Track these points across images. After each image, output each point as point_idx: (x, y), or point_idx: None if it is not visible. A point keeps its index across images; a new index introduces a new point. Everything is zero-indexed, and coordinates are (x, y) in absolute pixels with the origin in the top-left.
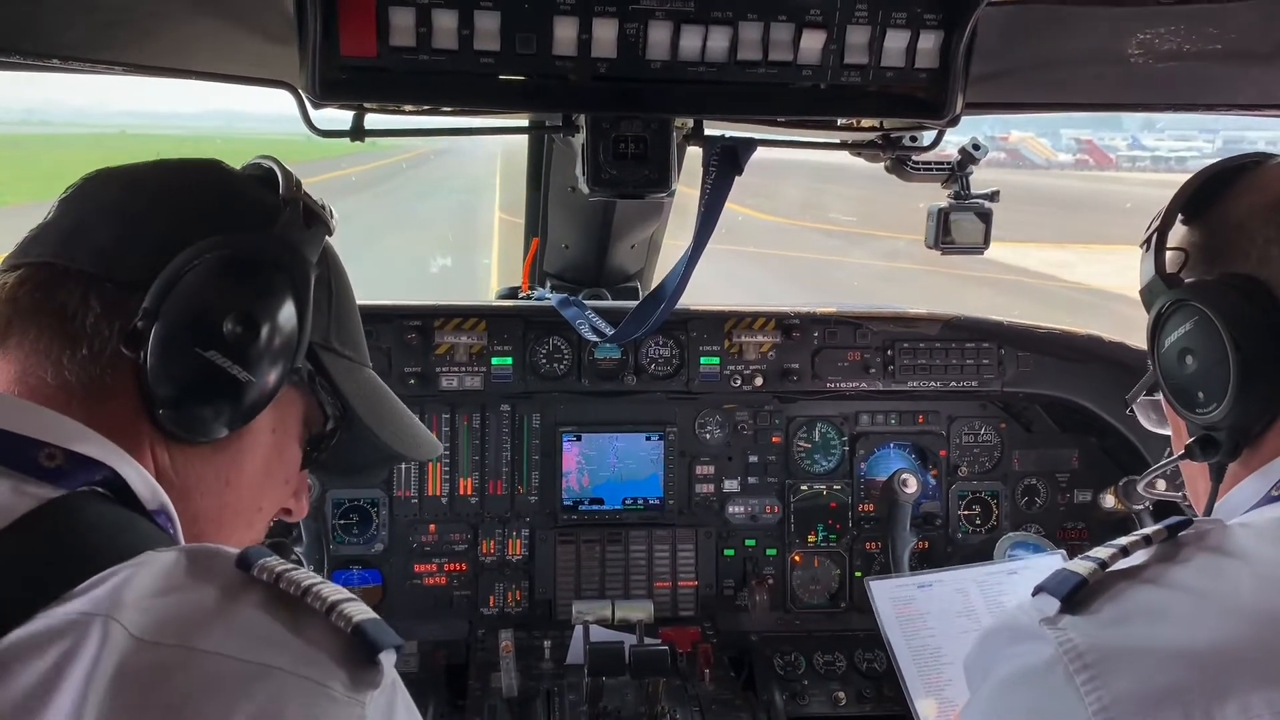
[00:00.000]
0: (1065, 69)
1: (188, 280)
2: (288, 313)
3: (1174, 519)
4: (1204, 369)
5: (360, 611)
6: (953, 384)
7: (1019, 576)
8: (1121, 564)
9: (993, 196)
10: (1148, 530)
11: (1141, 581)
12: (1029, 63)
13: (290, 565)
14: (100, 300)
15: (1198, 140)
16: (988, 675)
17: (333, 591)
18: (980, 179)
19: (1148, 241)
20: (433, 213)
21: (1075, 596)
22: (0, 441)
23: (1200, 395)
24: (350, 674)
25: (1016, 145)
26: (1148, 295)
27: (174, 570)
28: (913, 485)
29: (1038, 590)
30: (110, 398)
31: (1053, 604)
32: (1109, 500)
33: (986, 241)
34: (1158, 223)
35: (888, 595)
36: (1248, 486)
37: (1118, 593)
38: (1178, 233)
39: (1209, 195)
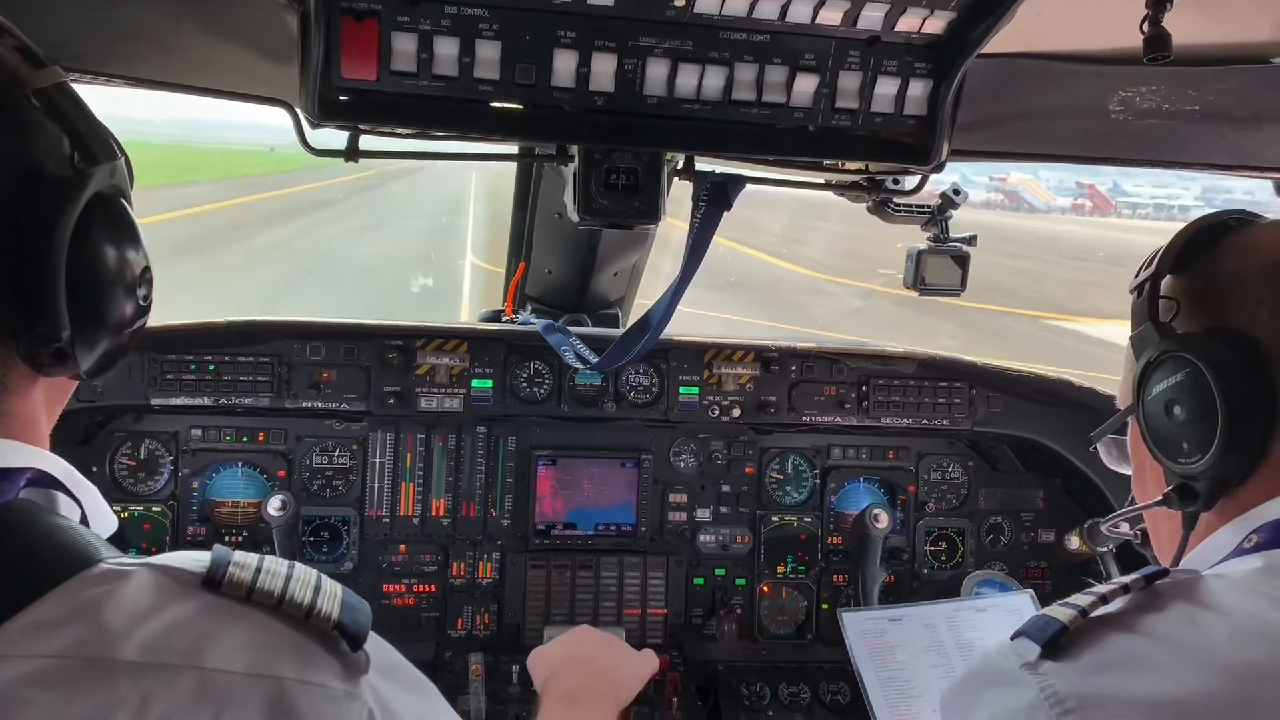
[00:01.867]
0: (1049, 121)
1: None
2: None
3: (1152, 568)
4: (1190, 420)
5: (333, 605)
6: (925, 421)
7: (987, 614)
8: (1100, 611)
9: (970, 240)
10: (1126, 579)
11: (1121, 630)
12: (1014, 113)
13: (253, 569)
14: None
15: (1174, 187)
16: (967, 717)
17: (300, 588)
18: (975, 220)
19: (1139, 289)
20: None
21: (1057, 642)
22: None
23: (1184, 445)
24: (341, 666)
25: (1015, 188)
26: (1138, 343)
27: (148, 591)
28: (884, 521)
29: (1017, 635)
30: (4, 398)
31: (1033, 649)
32: (1074, 542)
33: (963, 284)
34: (1150, 271)
35: (859, 627)
36: (1222, 536)
37: (1098, 640)
38: (1168, 281)
39: (1198, 248)
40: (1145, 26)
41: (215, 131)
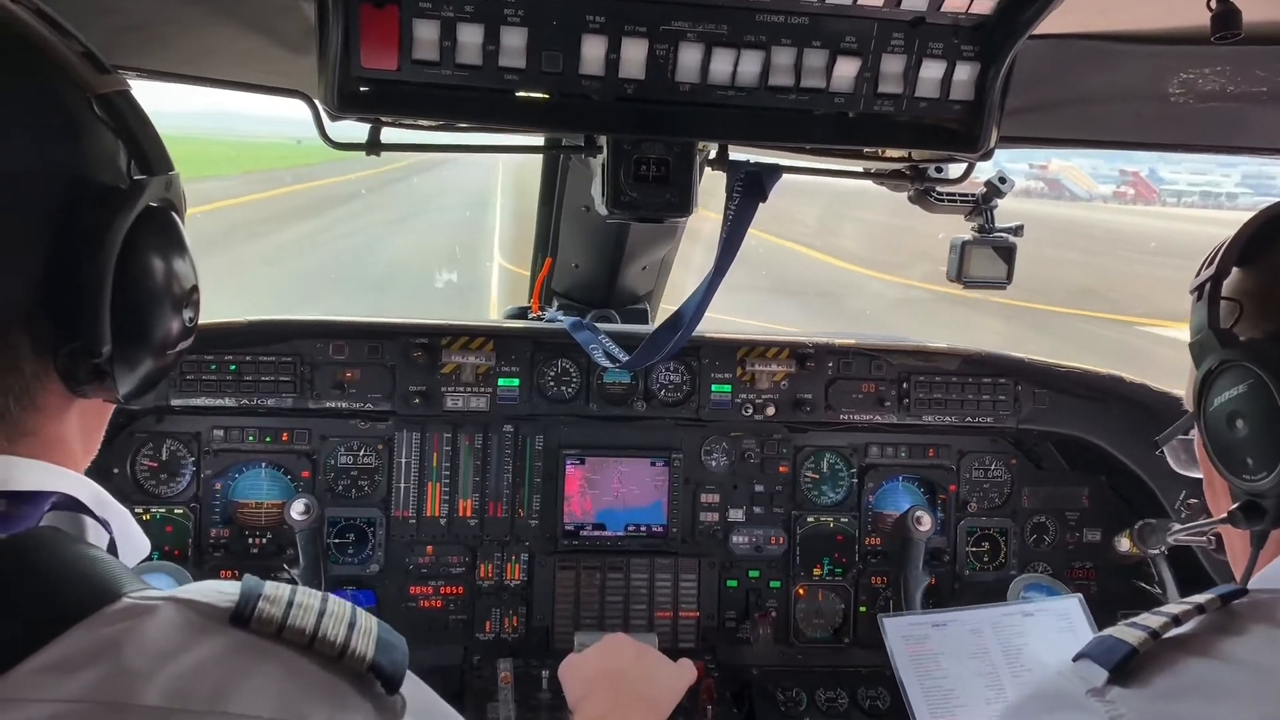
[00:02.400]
0: (1102, 105)
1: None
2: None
3: (1228, 587)
4: (1255, 435)
5: (368, 644)
6: (968, 419)
7: (1035, 619)
8: (1173, 633)
9: (1016, 230)
10: (1201, 598)
11: (1197, 654)
12: (1065, 98)
13: (284, 603)
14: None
15: (1214, 174)
16: None
17: (334, 624)
18: (1017, 210)
19: (1200, 290)
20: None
21: (1126, 667)
22: None
23: (1249, 461)
24: (375, 710)
25: (1057, 175)
26: (1198, 350)
27: (173, 629)
28: (927, 523)
29: (1081, 656)
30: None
31: (1099, 673)
32: (1124, 543)
33: (1009, 277)
34: (1211, 270)
35: (901, 633)
36: None
37: (1171, 664)
38: (1231, 280)
39: (1264, 243)
40: (1213, 3)
41: (237, 124)
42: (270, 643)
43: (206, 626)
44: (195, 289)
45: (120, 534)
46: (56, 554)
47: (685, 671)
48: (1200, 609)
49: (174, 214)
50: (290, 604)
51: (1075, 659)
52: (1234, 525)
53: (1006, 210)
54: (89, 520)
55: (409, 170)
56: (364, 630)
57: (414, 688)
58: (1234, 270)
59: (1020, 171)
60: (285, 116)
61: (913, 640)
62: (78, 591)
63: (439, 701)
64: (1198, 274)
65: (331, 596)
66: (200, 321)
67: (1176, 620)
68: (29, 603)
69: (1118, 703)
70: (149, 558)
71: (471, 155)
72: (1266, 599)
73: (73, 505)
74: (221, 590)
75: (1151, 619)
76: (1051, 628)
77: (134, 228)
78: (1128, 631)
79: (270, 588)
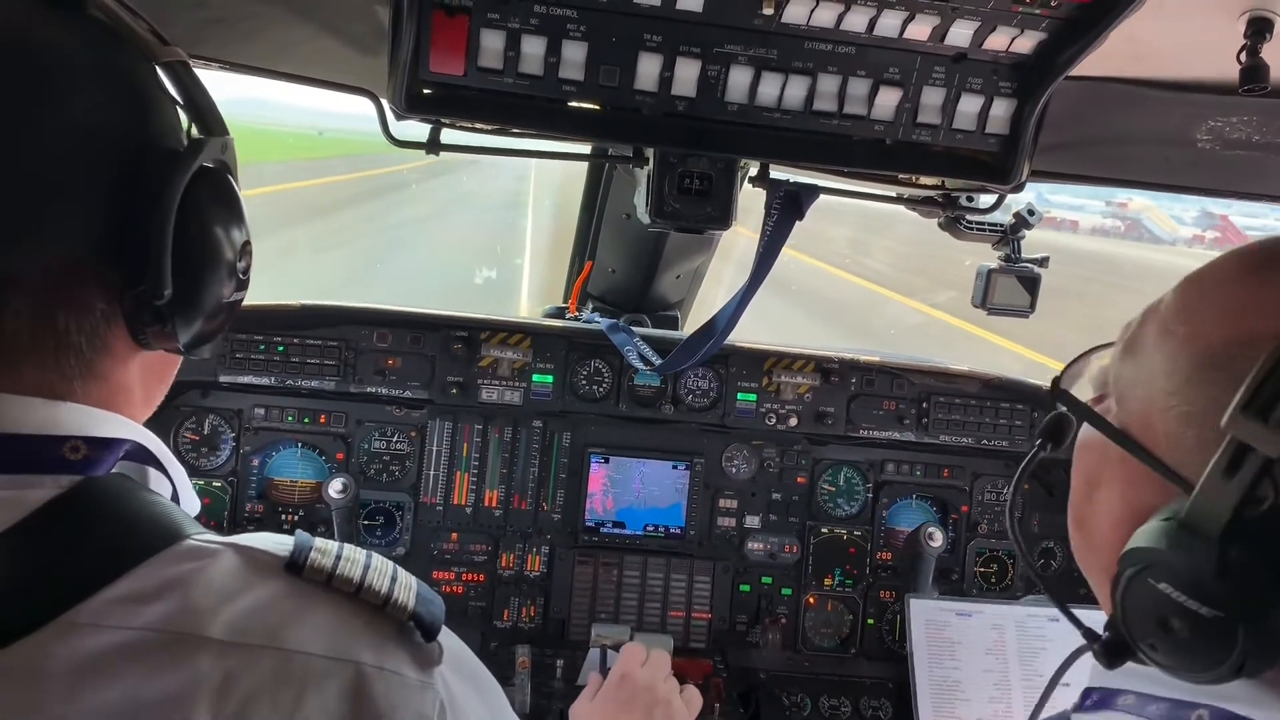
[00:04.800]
0: (1131, 146)
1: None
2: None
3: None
4: None
5: (409, 596)
6: (984, 442)
7: (1059, 626)
8: None
9: (1042, 262)
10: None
11: None
12: (1096, 137)
13: (333, 555)
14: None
15: (1269, 218)
16: None
17: (378, 577)
18: (1094, 250)
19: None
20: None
21: None
22: (23, 445)
23: None
24: (414, 656)
25: (1137, 215)
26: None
27: (234, 572)
28: (938, 539)
29: None
30: (104, 360)
31: None
32: None
33: (1033, 306)
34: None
35: (925, 616)
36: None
37: None
38: None
39: None
40: (1243, 57)
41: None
42: (321, 589)
43: (264, 572)
44: (248, 244)
45: (180, 488)
46: (128, 497)
47: (693, 703)
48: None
49: (228, 174)
50: (339, 557)
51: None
52: None
53: (1082, 249)
54: (152, 471)
55: (449, 167)
56: (405, 585)
57: (449, 639)
58: None
59: (1096, 209)
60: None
61: (934, 626)
62: (147, 532)
63: (471, 655)
64: None
65: (375, 554)
66: (254, 303)
67: None
68: (104, 539)
69: None
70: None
71: (512, 162)
72: None
73: (141, 455)
74: (278, 541)
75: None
76: (1074, 637)
77: (192, 183)
78: None
79: (320, 541)
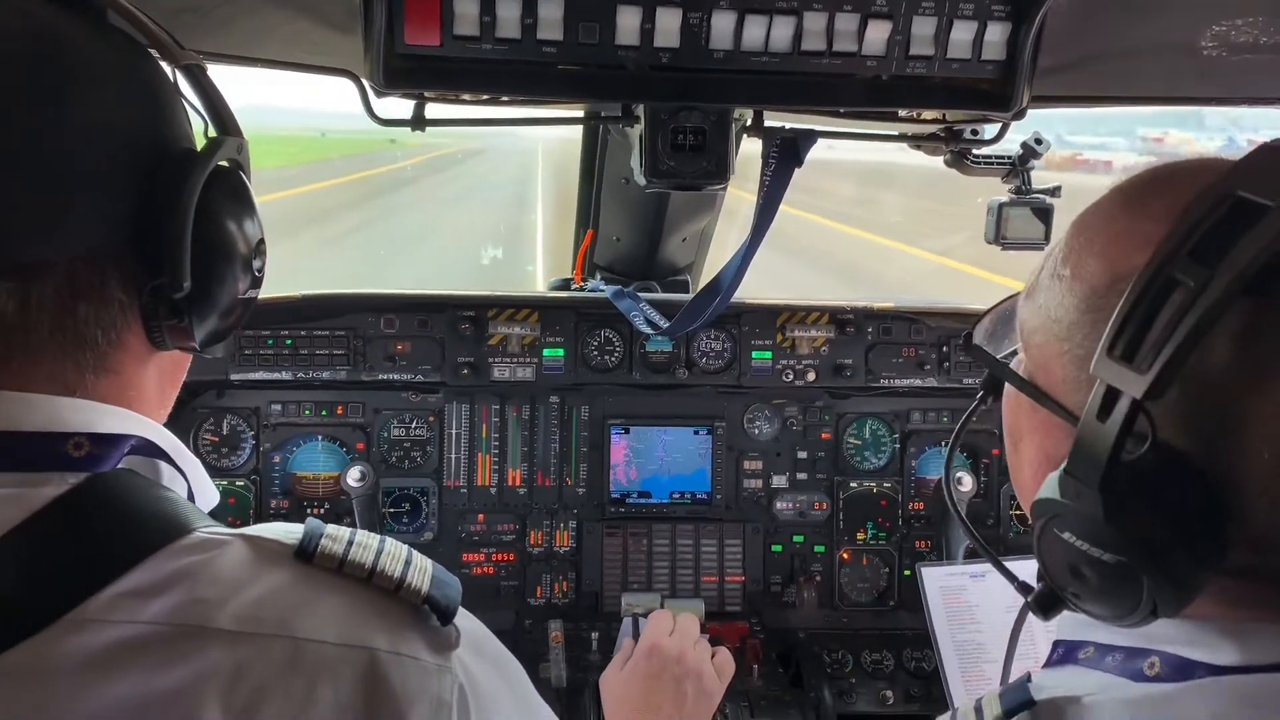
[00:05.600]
0: (1136, 61)
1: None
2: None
3: (1013, 698)
4: None
5: (423, 580)
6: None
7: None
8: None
9: (1054, 192)
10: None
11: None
12: (1098, 55)
13: (344, 541)
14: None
15: None
16: None
17: (391, 562)
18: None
19: None
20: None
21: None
22: (26, 443)
23: None
24: (430, 640)
25: (1174, 148)
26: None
27: (243, 562)
28: (967, 484)
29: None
30: (118, 355)
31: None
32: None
33: (1047, 238)
34: None
35: (938, 583)
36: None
37: None
38: None
39: None
40: None
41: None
42: (332, 576)
43: (273, 561)
44: (262, 242)
45: (195, 481)
46: (134, 492)
47: (724, 668)
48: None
49: (243, 174)
50: (350, 542)
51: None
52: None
53: (1107, 184)
54: (165, 466)
55: (459, 157)
56: (419, 568)
57: (467, 622)
58: None
59: (1124, 145)
60: (312, 109)
61: (949, 591)
62: (153, 525)
63: (491, 637)
64: None
65: (389, 539)
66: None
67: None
68: (110, 534)
69: None
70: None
71: (515, 141)
72: (1064, 706)
73: (150, 450)
74: (288, 530)
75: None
76: None
77: (209, 181)
78: (1036, 687)
79: (331, 528)
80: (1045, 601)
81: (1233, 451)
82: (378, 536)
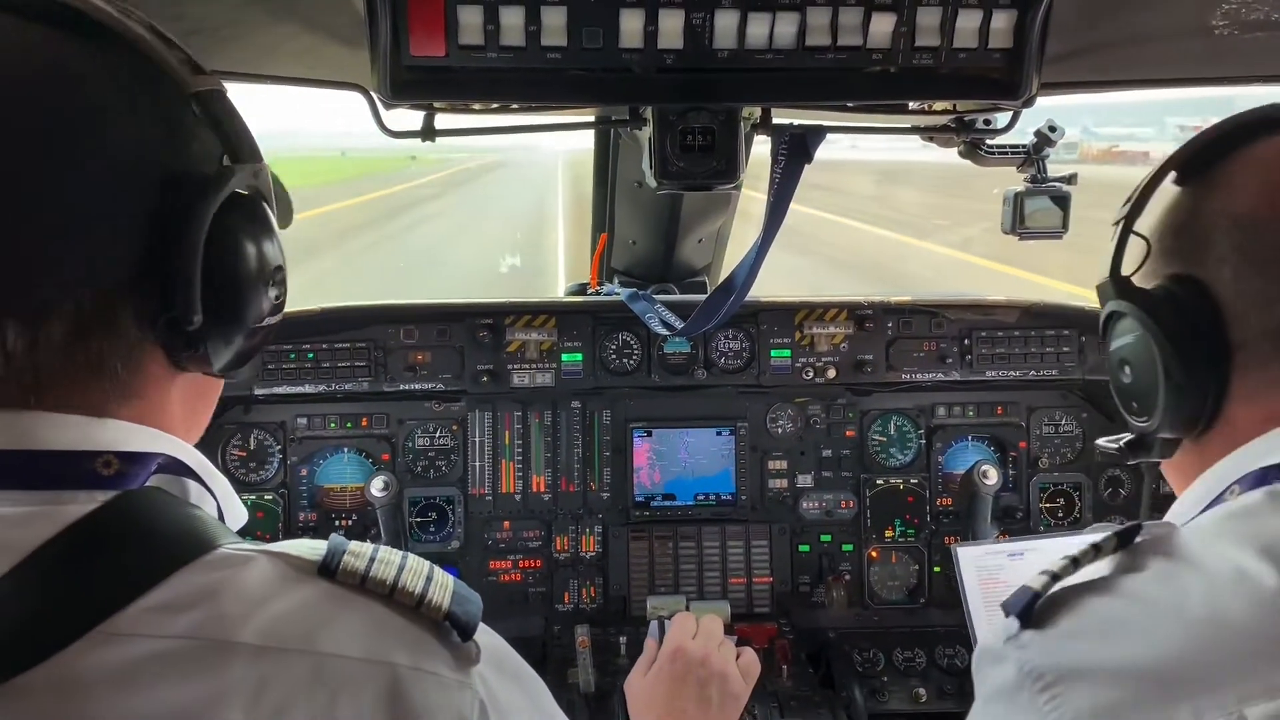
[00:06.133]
0: (1146, 44)
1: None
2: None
3: (1125, 525)
4: (1139, 382)
5: (444, 596)
6: (1033, 373)
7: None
8: (1073, 574)
9: (1070, 180)
10: (1097, 538)
11: (1095, 592)
12: (1107, 39)
13: (367, 557)
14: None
15: None
16: (978, 695)
17: (412, 578)
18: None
19: (1115, 226)
20: None
21: (1030, 612)
22: (56, 462)
23: (1134, 404)
24: (451, 656)
25: None
26: (1100, 293)
27: (266, 578)
28: (993, 477)
29: (1004, 610)
30: (141, 380)
31: (1014, 622)
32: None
33: (1065, 225)
34: (1128, 207)
35: (974, 563)
36: (1196, 490)
37: (1073, 604)
38: (1147, 215)
39: (1192, 172)
40: None
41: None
42: (354, 592)
43: (297, 577)
44: (280, 269)
45: (224, 499)
46: (161, 509)
47: (750, 669)
48: (1097, 549)
49: (260, 200)
50: (372, 559)
51: (1005, 613)
52: (1121, 458)
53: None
54: (192, 484)
55: (476, 173)
56: (440, 584)
57: (488, 637)
58: (1153, 205)
59: (1159, 134)
60: (332, 130)
61: (986, 571)
62: (179, 542)
63: (512, 652)
64: (1120, 207)
65: (411, 555)
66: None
67: (1075, 562)
68: (136, 550)
69: (1027, 648)
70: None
71: (532, 154)
72: (1162, 533)
73: (177, 468)
74: (312, 546)
75: (1055, 563)
76: None
77: (222, 210)
78: (1035, 578)
79: (354, 545)
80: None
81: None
82: (400, 553)
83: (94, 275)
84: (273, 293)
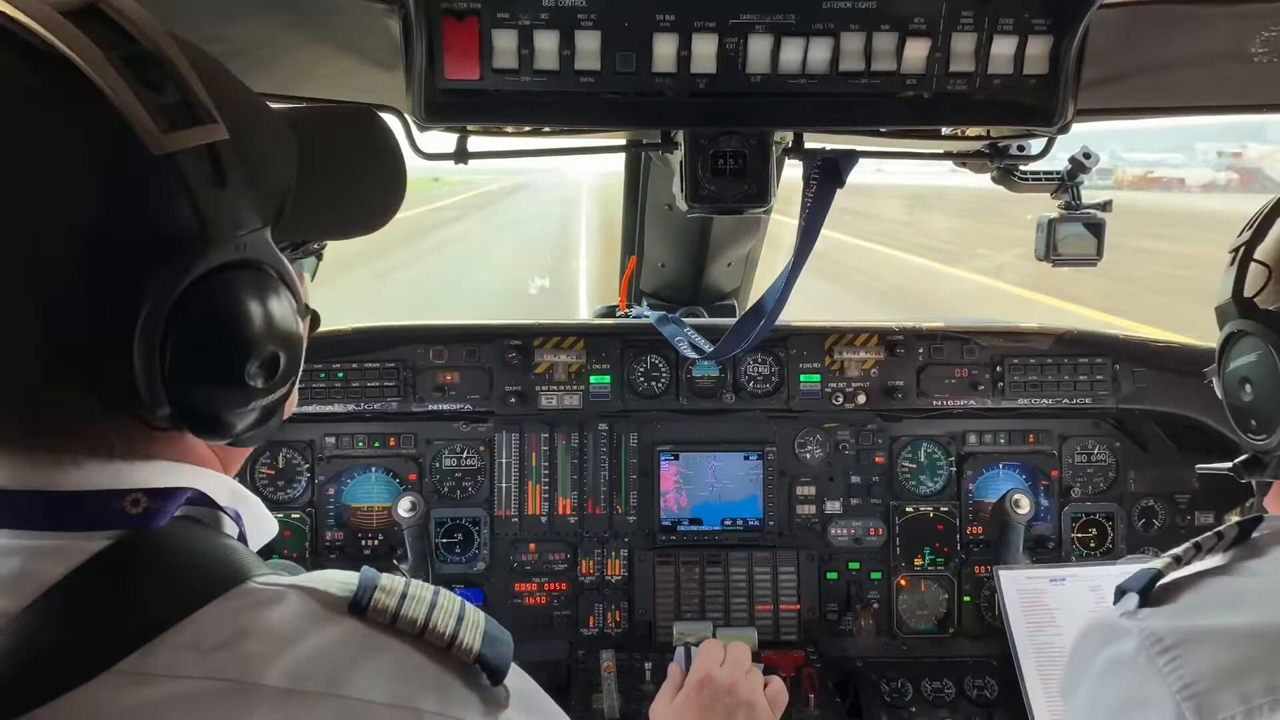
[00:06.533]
0: (1184, 71)
1: None
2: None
3: (1247, 517)
4: (1260, 400)
5: (475, 637)
6: (1066, 401)
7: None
8: (1196, 558)
9: (1105, 206)
10: (1221, 528)
11: (1216, 574)
12: (1144, 66)
13: (398, 594)
14: None
15: None
16: (1082, 675)
17: (444, 617)
18: (1203, 207)
19: (1234, 253)
20: None
21: (1152, 591)
22: (85, 502)
23: (1254, 423)
24: (480, 700)
25: (1256, 165)
26: (1220, 315)
27: (295, 616)
28: (1025, 506)
29: (1120, 592)
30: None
31: (1133, 599)
32: (1234, 522)
33: (1099, 253)
34: (1248, 234)
35: (1016, 586)
36: None
37: (1195, 584)
38: (1267, 244)
39: None
40: None
41: None
42: (383, 633)
43: (326, 615)
44: (277, 351)
45: (250, 520)
46: (189, 543)
47: (777, 698)
48: (1220, 536)
49: (255, 271)
50: (404, 595)
51: (1117, 597)
52: (1236, 476)
53: (1189, 205)
54: (222, 515)
55: (496, 196)
56: (472, 624)
57: (518, 680)
58: (1273, 233)
59: (1207, 160)
60: None
61: (1028, 595)
62: (207, 576)
63: (542, 695)
64: (1239, 234)
65: (442, 590)
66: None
67: (1198, 547)
68: (163, 586)
69: (1148, 620)
70: (267, 556)
71: (556, 176)
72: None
73: (206, 501)
74: (343, 581)
75: (1178, 549)
76: None
77: (195, 287)
78: (1156, 561)
79: (386, 579)
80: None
81: None
82: (431, 588)
83: (53, 361)
84: (255, 379)
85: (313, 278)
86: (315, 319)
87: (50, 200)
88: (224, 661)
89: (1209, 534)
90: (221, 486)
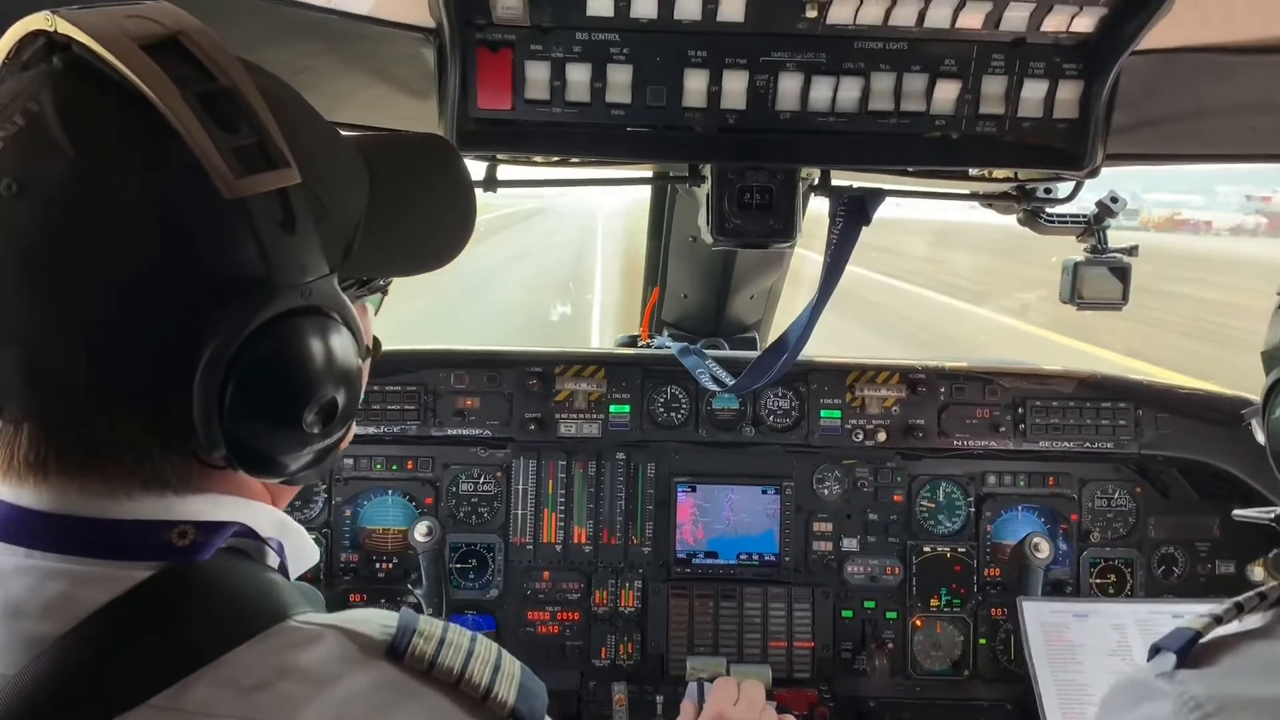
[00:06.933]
0: (1214, 119)
1: None
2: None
3: None
4: None
5: (510, 690)
6: (1087, 445)
7: (1184, 622)
8: (1237, 619)
9: (1131, 251)
10: (1264, 588)
11: (1257, 638)
12: (1175, 113)
13: (436, 640)
14: None
15: None
16: None
17: (480, 666)
18: (1232, 251)
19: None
20: None
21: (1191, 651)
22: (132, 531)
23: None
24: None
25: None
26: (1267, 361)
27: (332, 658)
28: (1045, 550)
29: (1155, 650)
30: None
31: (1170, 659)
32: (1258, 572)
33: (1125, 297)
34: None
35: (1039, 619)
36: None
37: (1234, 647)
38: None
39: None
40: None
41: None
42: (419, 681)
43: (363, 659)
44: (329, 398)
45: (292, 550)
46: (231, 577)
47: None
48: (1262, 597)
49: (319, 317)
50: (442, 642)
51: (1151, 655)
52: (1277, 525)
53: (1219, 249)
54: (265, 546)
55: (509, 220)
56: (508, 675)
57: None
58: None
59: (1232, 203)
60: None
61: (1051, 628)
62: (248, 613)
63: None
64: None
65: (480, 637)
66: None
67: (1240, 608)
68: (203, 621)
69: (1187, 684)
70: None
71: (573, 202)
72: None
73: (252, 534)
74: (382, 623)
75: (1216, 608)
76: None
77: (260, 332)
78: (1194, 620)
79: (424, 623)
80: None
81: None
82: (469, 635)
83: (119, 398)
84: (312, 425)
85: (376, 312)
86: (377, 346)
87: (121, 236)
88: (261, 701)
89: (1251, 594)
90: (268, 519)
